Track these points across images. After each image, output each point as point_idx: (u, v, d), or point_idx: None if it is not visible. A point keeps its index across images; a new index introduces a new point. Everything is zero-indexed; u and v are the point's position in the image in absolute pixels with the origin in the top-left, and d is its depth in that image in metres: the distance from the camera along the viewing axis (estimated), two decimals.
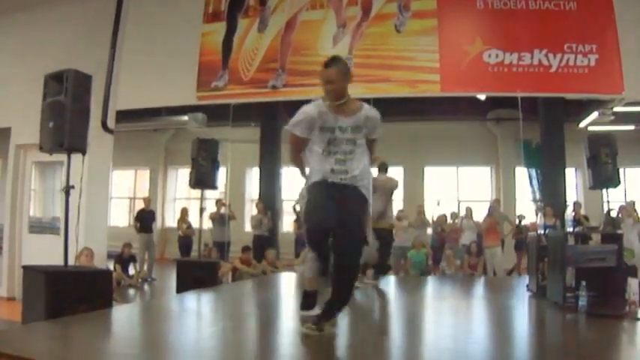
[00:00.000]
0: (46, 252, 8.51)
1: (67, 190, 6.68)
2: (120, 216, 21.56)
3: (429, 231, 14.43)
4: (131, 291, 11.52)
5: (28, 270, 6.23)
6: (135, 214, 14.83)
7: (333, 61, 4.72)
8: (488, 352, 4.36)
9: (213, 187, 11.34)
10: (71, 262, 7.01)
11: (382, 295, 7.87)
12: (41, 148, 6.96)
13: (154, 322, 5.62)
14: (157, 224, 15.27)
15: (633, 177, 17.76)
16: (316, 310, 4.56)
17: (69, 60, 7.82)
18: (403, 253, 12.83)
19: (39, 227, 10.73)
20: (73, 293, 5.78)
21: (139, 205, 19.45)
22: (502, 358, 4.16)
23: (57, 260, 6.56)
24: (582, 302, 5.75)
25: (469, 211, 13.96)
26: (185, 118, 16.29)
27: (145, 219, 14.29)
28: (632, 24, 9.93)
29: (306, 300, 4.66)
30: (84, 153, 6.97)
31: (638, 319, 5.23)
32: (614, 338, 4.88)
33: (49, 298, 5.61)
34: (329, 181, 4.53)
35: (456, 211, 14.99)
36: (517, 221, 14.46)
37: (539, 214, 14.12)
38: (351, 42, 10.69)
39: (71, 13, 10.64)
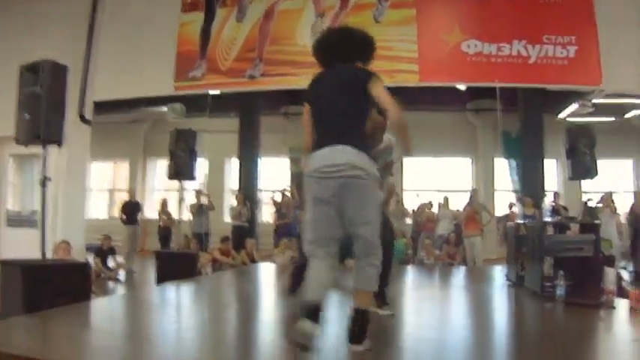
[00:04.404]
0: (25, 245, 8.43)
1: (44, 182, 6.62)
2: (99, 208, 21.44)
3: (409, 221, 14.50)
4: (110, 283, 11.45)
5: (5, 264, 6.16)
6: (121, 206, 14.68)
7: None
8: (468, 340, 4.39)
9: (192, 178, 11.29)
10: (49, 255, 6.97)
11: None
12: (17, 140, 6.90)
13: (134, 314, 5.60)
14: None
15: (612, 168, 17.97)
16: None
17: (45, 51, 7.72)
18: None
19: (17, 221, 10.63)
20: (50, 287, 5.74)
21: (119, 197, 19.37)
22: (481, 347, 4.19)
23: (36, 254, 6.51)
24: (560, 291, 5.80)
25: (446, 200, 14.04)
26: (164, 109, 16.23)
27: (130, 210, 14.20)
28: (611, 16, 10.00)
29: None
30: (60, 145, 6.91)
31: (614, 308, 5.29)
32: (592, 326, 4.94)
33: (27, 292, 5.56)
34: None
35: (431, 200, 15.04)
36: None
37: (518, 204, 14.23)
38: None
39: (47, 4, 10.51)
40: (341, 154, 3.66)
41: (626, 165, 19.05)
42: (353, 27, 4.27)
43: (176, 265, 9.52)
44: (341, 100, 3.82)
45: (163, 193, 18.54)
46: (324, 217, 3.74)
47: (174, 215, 12.85)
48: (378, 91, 3.77)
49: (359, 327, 3.68)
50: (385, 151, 5.02)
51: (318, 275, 3.72)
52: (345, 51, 4.01)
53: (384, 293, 5.18)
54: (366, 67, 4.00)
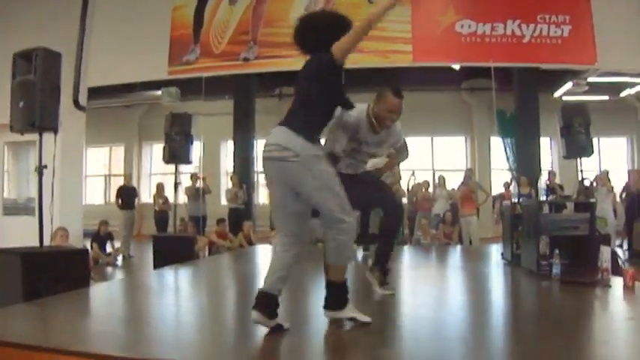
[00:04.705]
0: (22, 233, 8.44)
1: (40, 170, 6.63)
2: (96, 194, 21.45)
3: (404, 201, 14.52)
4: (109, 269, 11.47)
5: (2, 252, 6.18)
6: (116, 191, 14.69)
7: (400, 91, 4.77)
8: (465, 319, 4.41)
9: (187, 161, 11.31)
10: (47, 242, 6.98)
11: (358, 266, 7.92)
12: (12, 129, 6.88)
13: (133, 298, 5.62)
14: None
15: (607, 146, 18.04)
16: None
17: (38, 38, 7.69)
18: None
19: (14, 209, 10.63)
20: (49, 274, 5.76)
21: (115, 182, 19.36)
22: (478, 326, 4.22)
23: (34, 241, 6.52)
24: (556, 270, 5.82)
25: (442, 180, 14.06)
26: (158, 92, 16.17)
27: (126, 195, 14.20)
28: None
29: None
30: (56, 132, 6.90)
31: (609, 286, 5.31)
32: (587, 305, 4.96)
33: (26, 280, 5.58)
34: (339, 171, 4.59)
35: (427, 180, 15.09)
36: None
37: (514, 183, 14.27)
38: None
39: None
40: (274, 135, 3.75)
41: (621, 143, 19.10)
42: (321, 12, 4.29)
43: (173, 249, 9.55)
44: (300, 86, 3.87)
45: (159, 177, 18.53)
46: (274, 196, 3.87)
47: (171, 199, 12.87)
48: (336, 47, 3.67)
49: (331, 297, 3.85)
50: (390, 138, 5.10)
51: (272, 264, 3.84)
52: (314, 38, 3.88)
53: (386, 271, 5.24)
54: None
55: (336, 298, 3.85)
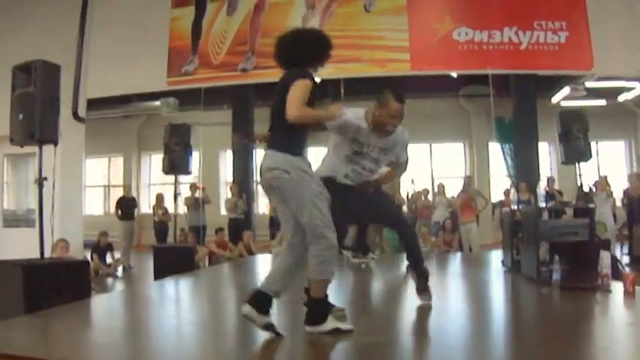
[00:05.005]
0: (22, 245, 8.44)
1: (40, 182, 6.63)
2: (95, 204, 21.42)
3: (404, 208, 14.51)
4: (109, 280, 11.46)
5: (3, 264, 6.18)
6: (116, 202, 14.67)
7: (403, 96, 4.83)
8: (465, 327, 4.42)
9: (187, 172, 11.29)
10: (48, 254, 6.98)
11: (360, 274, 7.91)
12: (12, 141, 6.89)
13: (134, 310, 5.62)
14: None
15: (606, 151, 18.05)
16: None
17: (37, 51, 7.71)
18: (379, 231, 12.80)
19: (14, 220, 10.63)
20: (50, 285, 5.77)
21: (114, 192, 19.32)
22: (478, 333, 4.22)
23: (34, 253, 6.52)
24: (556, 276, 5.82)
25: (441, 187, 14.06)
26: (157, 103, 16.18)
27: (125, 206, 14.20)
28: (600, 0, 10.05)
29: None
30: (55, 144, 6.90)
31: (610, 292, 5.31)
32: (588, 310, 4.97)
33: (27, 292, 5.58)
34: (337, 180, 4.80)
35: (427, 187, 15.10)
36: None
37: (513, 190, 14.27)
38: (320, 22, 10.67)
39: (38, 3, 10.47)
40: (264, 160, 3.89)
41: (619, 147, 19.11)
42: (308, 29, 4.51)
43: (173, 260, 9.53)
44: (275, 103, 3.92)
45: (159, 188, 18.51)
46: (277, 209, 4.04)
47: (170, 209, 12.86)
48: (290, 91, 3.76)
49: (312, 312, 3.90)
50: (397, 147, 5.08)
51: (273, 267, 4.01)
52: (288, 55, 4.09)
53: (426, 277, 5.28)
54: (309, 69, 3.99)
55: (316, 313, 3.89)
